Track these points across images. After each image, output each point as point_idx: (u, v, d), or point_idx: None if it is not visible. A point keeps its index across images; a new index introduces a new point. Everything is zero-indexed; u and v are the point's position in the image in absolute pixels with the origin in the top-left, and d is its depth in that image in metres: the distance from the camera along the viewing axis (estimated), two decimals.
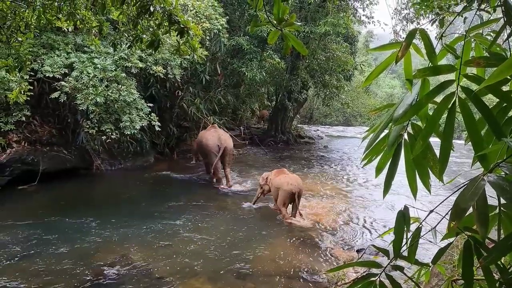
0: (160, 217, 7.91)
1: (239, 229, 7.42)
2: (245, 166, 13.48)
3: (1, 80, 8.46)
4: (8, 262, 5.78)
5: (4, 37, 4.56)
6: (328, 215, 8.36)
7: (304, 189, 8.35)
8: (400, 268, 1.48)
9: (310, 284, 5.45)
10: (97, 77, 9.58)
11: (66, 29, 6.64)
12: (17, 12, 4.49)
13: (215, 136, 10.82)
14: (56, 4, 4.50)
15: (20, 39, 4.75)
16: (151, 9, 3.95)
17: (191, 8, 11.52)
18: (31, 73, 8.87)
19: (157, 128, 10.60)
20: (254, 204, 8.89)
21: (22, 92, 7.27)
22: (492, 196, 1.20)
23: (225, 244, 6.69)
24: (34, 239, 6.60)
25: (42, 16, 4.57)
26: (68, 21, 4.70)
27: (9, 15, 4.47)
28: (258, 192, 8.82)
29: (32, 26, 4.81)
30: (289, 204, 8.06)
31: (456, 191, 1.19)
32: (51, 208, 8.40)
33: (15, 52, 4.79)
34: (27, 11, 4.52)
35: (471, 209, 1.13)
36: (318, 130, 27.14)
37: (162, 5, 4.02)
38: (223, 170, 10.95)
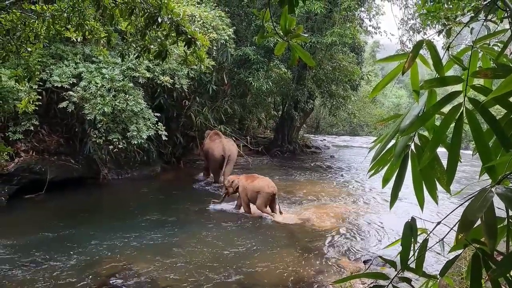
0: (166, 227, 7.91)
1: (244, 239, 7.39)
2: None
3: (10, 90, 8.56)
4: (14, 270, 5.80)
5: (14, 47, 4.62)
6: (334, 224, 8.31)
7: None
8: (408, 280, 1.47)
9: None
10: (105, 87, 9.66)
11: (75, 40, 6.70)
12: (27, 23, 4.55)
13: (220, 146, 11.69)
14: (65, 15, 4.56)
15: (29, 49, 4.81)
16: (159, 20, 3.99)
17: (198, 19, 11.61)
18: (40, 83, 8.96)
19: (164, 138, 10.65)
20: (220, 203, 9.46)
21: (31, 102, 7.34)
22: (500, 208, 1.19)
23: (231, 254, 6.66)
24: (40, 248, 6.62)
25: (52, 27, 4.62)
26: (77, 32, 4.75)
27: (19, 26, 4.53)
28: (223, 192, 9.45)
29: (42, 37, 4.86)
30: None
31: (464, 202, 1.18)
32: (58, 217, 8.44)
33: (25, 62, 4.84)
34: (36, 22, 4.58)
35: (479, 221, 1.12)
36: (324, 140, 27.10)
37: (169, 16, 4.06)
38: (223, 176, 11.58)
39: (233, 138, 14.90)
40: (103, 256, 6.40)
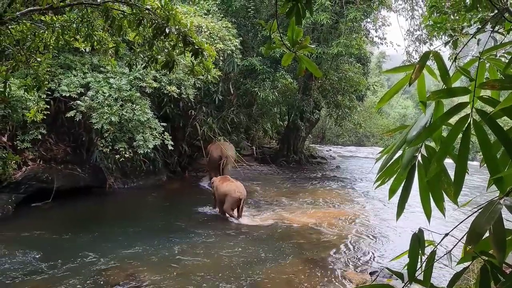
0: (171, 236, 7.90)
1: (249, 249, 7.37)
2: (256, 184, 13.45)
3: (19, 99, 8.63)
4: (20, 278, 5.80)
5: (24, 57, 4.68)
6: (339, 234, 8.26)
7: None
8: None
9: None
10: (112, 97, 9.72)
11: (83, 50, 6.77)
12: (36, 33, 4.61)
13: (218, 148, 12.88)
14: (74, 25, 4.62)
15: (39, 59, 4.87)
16: (167, 30, 4.03)
17: (205, 30, 11.71)
18: (48, 92, 9.04)
19: (170, 147, 10.67)
20: (215, 207, 10.04)
21: (39, 111, 7.42)
22: (509, 220, 1.18)
23: (235, 264, 6.63)
24: (46, 256, 6.63)
25: (61, 37, 4.68)
26: (85, 42, 4.81)
27: (29, 36, 4.59)
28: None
29: (51, 47, 4.92)
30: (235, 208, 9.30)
31: (472, 214, 1.18)
32: (64, 226, 8.45)
33: (34, 72, 4.89)
34: (46, 32, 4.64)
35: (487, 233, 1.11)
36: (330, 150, 27.01)
37: (177, 27, 4.10)
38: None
39: (240, 148, 15.12)
40: (108, 264, 6.39)
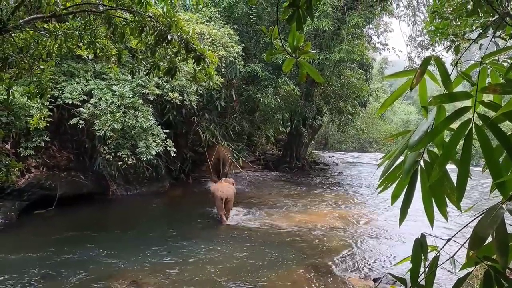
0: (175, 242, 7.89)
1: (252, 255, 7.34)
2: (259, 190, 13.43)
3: (22, 107, 8.67)
4: (22, 285, 5.79)
5: (27, 65, 4.70)
6: (342, 240, 8.23)
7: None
8: None
9: None
10: (115, 104, 9.75)
11: (86, 57, 6.81)
12: (39, 41, 4.64)
13: (216, 153, 13.88)
14: (77, 33, 4.65)
15: (42, 67, 4.89)
16: (169, 37, 4.05)
17: (208, 36, 11.76)
18: (51, 99, 9.06)
19: (172, 154, 10.68)
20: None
21: (42, 118, 7.44)
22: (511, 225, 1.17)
23: (238, 271, 6.61)
24: (49, 263, 6.62)
25: (64, 44, 4.71)
26: (88, 50, 4.84)
27: (32, 44, 4.62)
28: None
29: (54, 54, 4.95)
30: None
31: (474, 219, 1.17)
32: (67, 233, 8.44)
33: (37, 80, 4.91)
34: (49, 40, 4.67)
35: (490, 238, 1.11)
36: (333, 156, 26.98)
37: (179, 34, 4.12)
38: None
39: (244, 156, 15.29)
40: (110, 271, 6.38)
